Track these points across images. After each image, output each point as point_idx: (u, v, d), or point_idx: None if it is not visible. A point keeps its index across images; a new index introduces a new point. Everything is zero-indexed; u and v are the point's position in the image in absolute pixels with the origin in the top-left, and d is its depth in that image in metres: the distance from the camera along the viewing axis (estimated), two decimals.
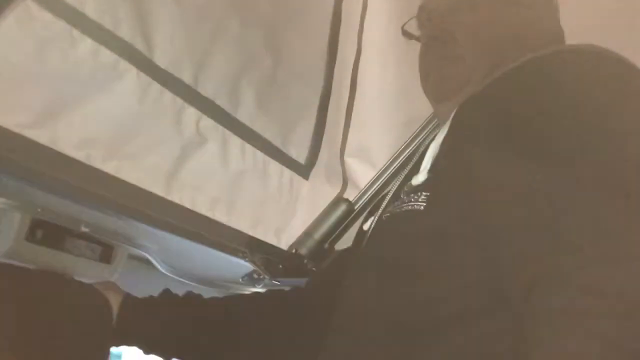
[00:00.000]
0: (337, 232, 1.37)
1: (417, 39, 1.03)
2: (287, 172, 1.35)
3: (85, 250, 1.09)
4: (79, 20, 0.91)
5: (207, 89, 1.13)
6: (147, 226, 1.09)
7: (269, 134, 1.28)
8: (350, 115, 1.46)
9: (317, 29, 1.32)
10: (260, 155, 1.28)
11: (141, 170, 1.05)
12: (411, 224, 0.81)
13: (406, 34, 1.04)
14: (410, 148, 1.39)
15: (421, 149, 0.99)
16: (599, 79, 0.75)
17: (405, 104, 1.43)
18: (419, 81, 1.46)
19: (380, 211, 0.92)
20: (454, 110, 0.84)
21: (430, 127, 1.37)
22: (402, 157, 1.40)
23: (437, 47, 0.96)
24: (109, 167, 0.99)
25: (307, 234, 1.37)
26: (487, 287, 0.72)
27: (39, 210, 0.99)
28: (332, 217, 1.35)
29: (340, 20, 1.36)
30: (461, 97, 0.89)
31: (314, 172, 1.40)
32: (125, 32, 0.97)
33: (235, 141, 1.21)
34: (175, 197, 1.12)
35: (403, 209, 0.82)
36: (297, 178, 1.38)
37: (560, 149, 0.70)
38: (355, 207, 1.37)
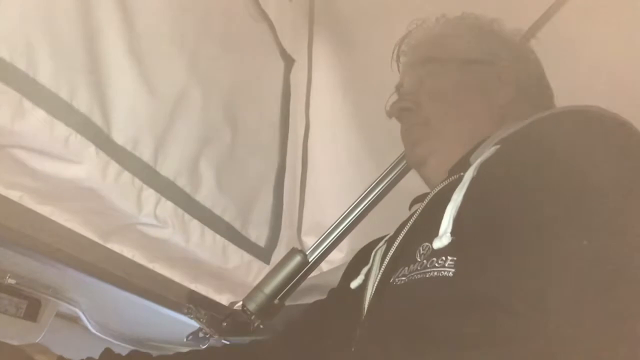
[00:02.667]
0: (289, 286, 1.26)
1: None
2: (247, 256, 1.24)
3: (9, 306, 0.96)
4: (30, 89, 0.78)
5: (166, 168, 1.01)
6: (81, 275, 0.98)
7: (228, 215, 1.17)
8: (304, 191, 1.41)
9: (269, 104, 1.28)
10: (219, 239, 1.16)
11: (80, 221, 0.94)
12: (441, 291, 0.75)
13: (388, 113, 1.08)
14: (369, 198, 1.33)
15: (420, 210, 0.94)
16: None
17: (358, 175, 1.40)
18: (370, 151, 1.46)
19: (380, 273, 0.87)
20: (474, 170, 0.81)
21: (391, 176, 1.32)
22: (360, 207, 1.33)
23: (407, 117, 1.03)
24: (43, 210, 0.88)
25: (257, 288, 1.25)
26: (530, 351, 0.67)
27: None
28: (285, 269, 1.24)
29: (289, 94, 1.32)
30: (439, 156, 0.95)
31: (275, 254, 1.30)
32: (82, 104, 0.85)
33: (194, 225, 1.09)
34: (114, 247, 1.02)
35: (427, 276, 0.76)
36: (258, 262, 1.26)
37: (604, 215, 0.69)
38: (310, 260, 1.27)
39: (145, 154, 0.96)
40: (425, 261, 0.78)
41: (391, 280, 0.83)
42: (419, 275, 0.77)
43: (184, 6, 1.01)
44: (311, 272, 1.29)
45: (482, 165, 0.81)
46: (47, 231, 0.90)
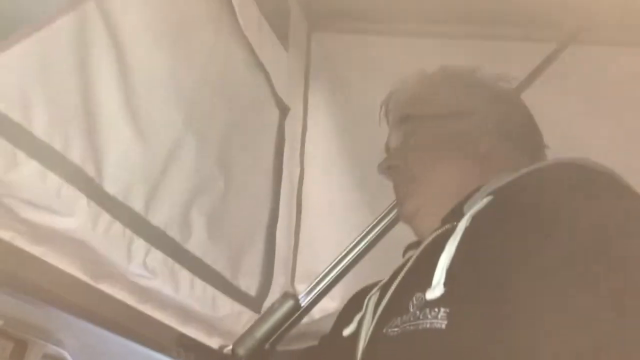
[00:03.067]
0: (280, 330, 1.25)
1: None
2: (237, 306, 1.23)
3: None
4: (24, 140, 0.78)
5: (158, 218, 1.00)
6: (69, 316, 0.96)
7: (219, 265, 1.17)
8: (298, 238, 1.41)
9: (264, 151, 1.28)
10: (210, 289, 1.15)
11: (71, 262, 0.93)
12: (433, 343, 0.75)
13: (380, 171, 1.12)
14: (363, 244, 1.33)
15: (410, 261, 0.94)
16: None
17: (353, 221, 1.40)
18: (364, 198, 1.47)
19: (373, 321, 0.87)
20: (467, 220, 0.81)
21: (384, 223, 1.32)
22: (353, 252, 1.34)
23: (395, 174, 1.08)
24: (35, 250, 0.87)
25: (248, 332, 1.24)
26: None
27: None
28: (277, 314, 1.23)
29: (283, 142, 1.33)
30: (427, 212, 0.99)
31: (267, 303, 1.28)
32: (75, 155, 0.85)
33: (184, 275, 1.08)
34: (105, 288, 1.00)
35: (420, 327, 0.76)
36: (248, 312, 1.25)
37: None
38: (302, 304, 1.27)
39: (137, 203, 0.96)
40: (418, 312, 0.78)
41: (384, 331, 0.82)
42: (411, 327, 0.77)
43: (182, 59, 1.02)
44: (303, 317, 1.28)
45: (476, 216, 0.82)
46: (36, 271, 0.89)
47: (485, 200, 0.84)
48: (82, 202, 0.85)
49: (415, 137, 1.07)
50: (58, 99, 0.83)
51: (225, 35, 1.14)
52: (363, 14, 1.57)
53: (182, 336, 1.18)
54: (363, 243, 1.34)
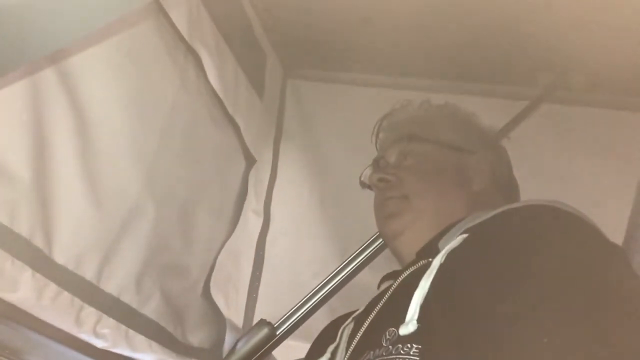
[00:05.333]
0: (254, 358, 1.21)
1: (369, 187, 1.11)
2: None
3: None
4: None
5: (111, 285, 0.97)
6: (40, 336, 0.91)
7: (171, 326, 1.13)
8: (258, 286, 1.39)
9: (225, 204, 1.28)
10: (166, 350, 1.12)
11: None
12: None
13: (362, 183, 1.13)
14: (340, 277, 1.29)
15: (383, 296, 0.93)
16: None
17: (322, 269, 1.38)
18: (333, 246, 1.45)
19: (347, 354, 0.89)
20: (441, 257, 0.82)
21: (362, 257, 1.29)
22: (334, 281, 1.29)
23: (385, 189, 1.06)
24: None
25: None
26: None
27: None
28: (251, 341, 1.19)
29: (246, 193, 1.32)
30: (413, 232, 0.98)
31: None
32: (23, 226, 0.81)
33: (140, 339, 1.05)
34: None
35: None
36: None
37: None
38: (277, 333, 1.24)
39: (88, 272, 0.93)
40: (390, 347, 0.78)
41: None
42: None
43: (144, 120, 0.99)
44: (277, 345, 1.25)
45: (450, 254, 0.83)
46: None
47: (459, 238, 0.85)
48: (26, 274, 0.82)
49: (417, 158, 1.07)
50: (5, 162, 0.79)
51: (190, 92, 1.11)
52: (339, 64, 1.57)
53: None
54: (344, 272, 1.32)
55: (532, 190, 1.14)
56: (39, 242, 0.84)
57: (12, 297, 0.81)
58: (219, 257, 1.32)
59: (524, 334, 0.68)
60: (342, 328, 0.98)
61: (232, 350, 1.22)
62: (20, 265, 0.81)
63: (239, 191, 1.36)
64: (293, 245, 1.53)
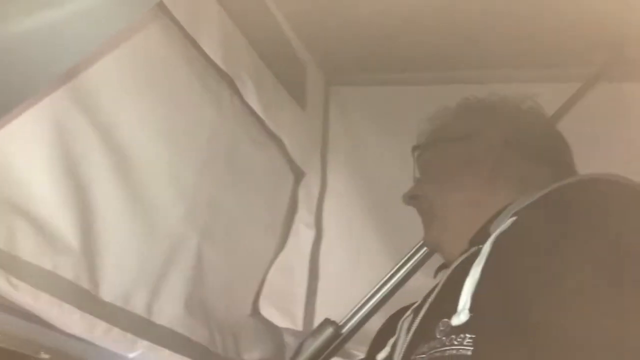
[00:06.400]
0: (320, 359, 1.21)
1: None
2: None
3: None
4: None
5: (162, 318, 0.98)
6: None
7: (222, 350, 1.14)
8: (315, 300, 1.39)
9: (274, 221, 1.27)
10: None
11: None
12: None
13: (405, 201, 1.12)
14: (398, 276, 1.27)
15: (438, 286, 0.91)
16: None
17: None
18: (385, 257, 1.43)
19: (404, 347, 0.87)
20: (491, 243, 0.80)
21: (417, 256, 1.26)
22: (393, 280, 1.27)
23: (416, 204, 1.08)
24: None
25: None
26: None
27: None
28: (316, 341, 1.18)
29: (296, 208, 1.30)
30: (448, 237, 0.98)
31: None
32: (67, 270, 0.83)
33: None
34: None
35: (446, 354, 0.76)
36: None
37: None
38: (342, 332, 1.22)
39: (138, 306, 0.94)
40: (444, 338, 0.77)
41: (412, 358, 0.82)
42: (438, 354, 0.77)
43: (182, 153, 1.00)
44: (344, 344, 1.25)
45: (499, 238, 0.81)
46: None
47: (509, 221, 0.82)
48: (75, 316, 0.84)
49: (428, 164, 1.08)
50: (47, 212, 0.81)
51: (227, 117, 1.10)
52: (380, 64, 1.53)
53: None
54: (407, 266, 1.27)
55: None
56: (84, 283, 0.86)
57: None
58: (269, 273, 1.32)
59: (584, 316, 0.66)
60: (401, 321, 0.96)
61: (298, 350, 1.22)
62: (70, 308, 0.83)
63: (288, 206, 1.35)
64: (347, 256, 1.51)
